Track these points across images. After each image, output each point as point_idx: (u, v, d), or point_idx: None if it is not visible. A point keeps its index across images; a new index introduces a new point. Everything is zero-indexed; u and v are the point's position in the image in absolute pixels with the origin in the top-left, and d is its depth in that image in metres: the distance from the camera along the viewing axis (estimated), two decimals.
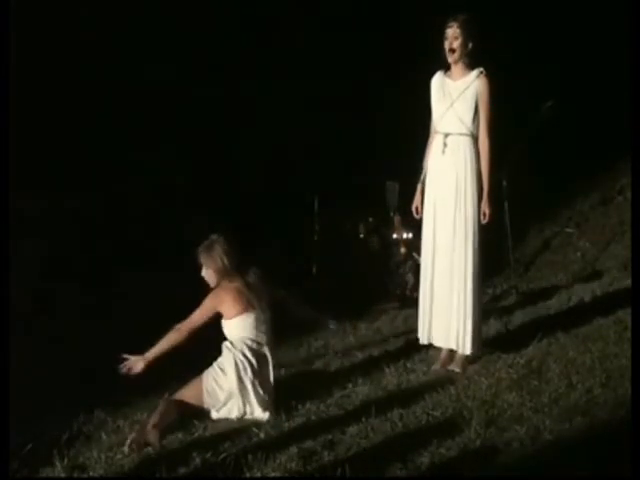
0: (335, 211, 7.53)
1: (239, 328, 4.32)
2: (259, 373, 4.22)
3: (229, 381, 4.18)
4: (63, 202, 7.18)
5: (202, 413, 4.12)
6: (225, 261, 4.37)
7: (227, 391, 4.17)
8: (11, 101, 3.64)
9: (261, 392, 4.16)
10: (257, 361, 4.23)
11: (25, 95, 5.87)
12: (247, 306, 4.32)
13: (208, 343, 4.50)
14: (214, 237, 4.44)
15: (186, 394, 4.19)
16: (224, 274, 4.37)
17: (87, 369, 4.92)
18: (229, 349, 4.29)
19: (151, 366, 4.21)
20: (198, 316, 4.30)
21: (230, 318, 4.33)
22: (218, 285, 4.38)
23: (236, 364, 4.20)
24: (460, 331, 4.65)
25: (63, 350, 5.33)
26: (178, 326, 4.29)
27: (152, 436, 3.85)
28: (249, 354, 4.24)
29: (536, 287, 6.65)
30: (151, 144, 7.82)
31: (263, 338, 4.32)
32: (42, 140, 7.05)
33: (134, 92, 7.72)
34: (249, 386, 4.16)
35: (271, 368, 4.27)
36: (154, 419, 3.95)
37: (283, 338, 4.99)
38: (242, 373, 4.19)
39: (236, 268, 4.39)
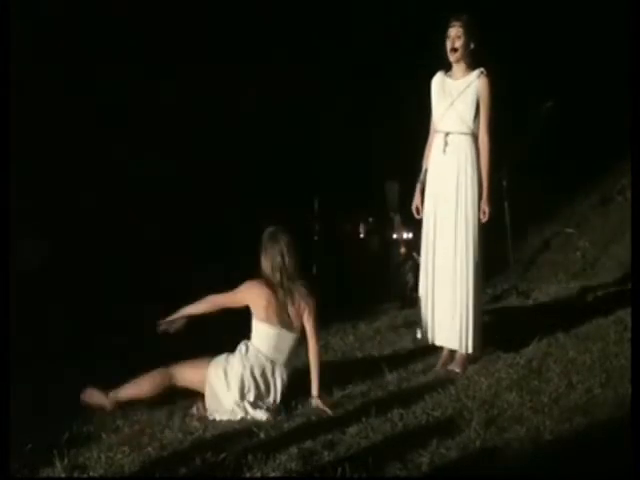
0: (335, 211, 7.53)
1: (259, 337, 4.23)
2: (265, 391, 4.16)
3: (232, 394, 4.13)
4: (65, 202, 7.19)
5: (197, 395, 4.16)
6: (286, 258, 4.19)
7: (230, 402, 4.13)
8: (11, 101, 3.63)
9: (264, 406, 4.12)
10: (264, 380, 4.16)
11: (25, 95, 5.88)
12: (273, 319, 4.20)
13: (208, 343, 4.50)
14: (279, 228, 4.27)
15: (189, 375, 4.21)
16: (274, 272, 4.20)
17: (87, 369, 4.92)
18: (242, 355, 4.21)
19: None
20: (228, 298, 4.24)
21: (257, 320, 4.23)
22: (258, 280, 4.23)
23: (242, 381, 4.14)
24: (462, 331, 4.65)
25: (64, 349, 5.33)
26: (210, 297, 4.30)
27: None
28: (257, 372, 4.15)
29: (536, 287, 6.65)
30: (149, 143, 7.81)
31: (279, 358, 4.21)
32: (43, 140, 7.05)
33: (133, 92, 7.72)
34: (252, 399, 4.13)
35: (279, 387, 4.18)
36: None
37: None
38: (245, 390, 4.14)
39: (288, 274, 4.20)
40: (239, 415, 4.09)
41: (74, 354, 5.25)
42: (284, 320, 4.22)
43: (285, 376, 4.21)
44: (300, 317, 4.24)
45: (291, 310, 4.23)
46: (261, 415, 4.06)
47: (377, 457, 3.40)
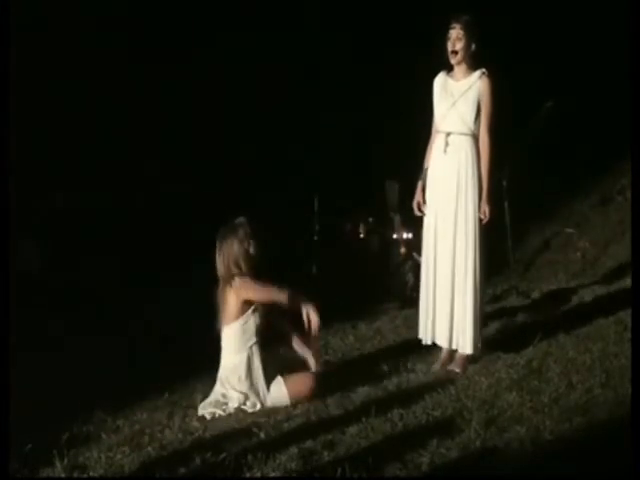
0: (335, 211, 7.52)
1: None
2: (242, 381, 4.25)
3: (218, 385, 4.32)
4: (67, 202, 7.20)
5: None
6: (248, 248, 4.23)
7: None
8: (11, 100, 3.64)
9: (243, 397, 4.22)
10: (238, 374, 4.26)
11: (26, 94, 5.88)
12: (221, 320, 4.33)
13: (206, 344, 4.51)
14: (241, 220, 4.30)
15: None
16: (236, 267, 4.24)
17: (87, 369, 4.92)
18: None
19: None
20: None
21: None
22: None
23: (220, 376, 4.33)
24: (461, 331, 4.65)
25: (64, 350, 5.33)
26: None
27: None
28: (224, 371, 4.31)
29: (536, 287, 6.64)
30: (150, 144, 7.82)
31: (230, 355, 4.27)
32: (43, 139, 7.06)
33: (134, 90, 7.73)
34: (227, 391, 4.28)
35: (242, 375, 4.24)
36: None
37: (281, 337, 4.99)
38: (223, 383, 4.30)
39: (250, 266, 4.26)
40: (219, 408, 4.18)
41: (74, 354, 5.26)
42: (225, 313, 4.26)
43: (254, 362, 4.24)
44: (235, 305, 4.21)
45: (223, 304, 4.25)
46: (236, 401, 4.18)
47: (377, 457, 3.40)
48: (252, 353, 4.25)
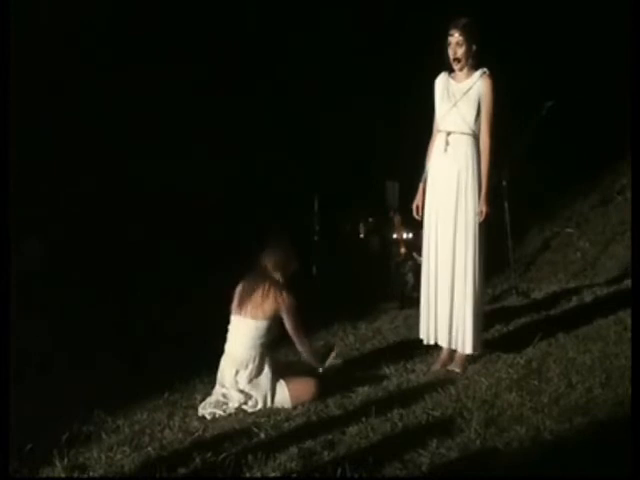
0: (335, 211, 7.52)
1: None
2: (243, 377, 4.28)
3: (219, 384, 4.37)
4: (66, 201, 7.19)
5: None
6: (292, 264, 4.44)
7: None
8: (11, 100, 3.63)
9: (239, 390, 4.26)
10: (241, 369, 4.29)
11: (26, 92, 5.88)
12: (235, 309, 4.38)
13: (206, 345, 4.51)
14: (281, 241, 4.52)
15: None
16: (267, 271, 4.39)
17: (87, 369, 4.93)
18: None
19: None
20: None
21: None
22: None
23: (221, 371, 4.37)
24: (462, 331, 4.65)
25: (64, 349, 5.33)
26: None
27: None
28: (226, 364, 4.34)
29: (536, 287, 6.65)
30: (154, 144, 7.82)
31: (237, 347, 4.31)
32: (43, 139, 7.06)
33: (135, 90, 7.73)
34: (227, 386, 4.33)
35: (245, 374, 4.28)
36: None
37: (283, 338, 5.00)
38: (221, 378, 4.36)
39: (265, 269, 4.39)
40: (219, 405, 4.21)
41: (74, 354, 5.26)
42: (245, 307, 4.31)
43: (255, 364, 4.28)
44: (270, 308, 4.30)
45: (257, 298, 4.31)
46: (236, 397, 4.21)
47: (377, 457, 3.40)
48: (263, 352, 4.28)
